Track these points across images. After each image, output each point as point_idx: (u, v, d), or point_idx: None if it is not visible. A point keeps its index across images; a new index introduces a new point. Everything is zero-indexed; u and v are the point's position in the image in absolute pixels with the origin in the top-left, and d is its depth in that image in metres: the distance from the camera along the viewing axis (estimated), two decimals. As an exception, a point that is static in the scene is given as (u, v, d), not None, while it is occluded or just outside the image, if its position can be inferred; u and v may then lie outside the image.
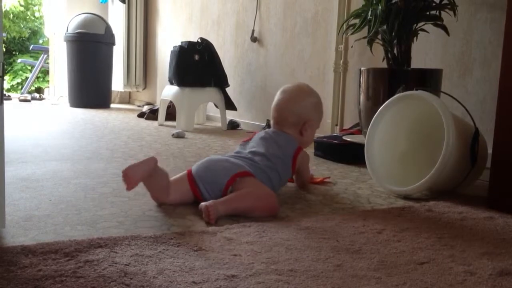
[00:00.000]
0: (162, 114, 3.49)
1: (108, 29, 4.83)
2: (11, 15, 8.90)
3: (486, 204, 1.39)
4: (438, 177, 1.44)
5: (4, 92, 1.58)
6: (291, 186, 1.60)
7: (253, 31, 3.40)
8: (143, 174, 1.21)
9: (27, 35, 9.20)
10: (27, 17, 9.30)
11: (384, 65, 1.99)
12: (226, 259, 0.92)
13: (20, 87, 8.34)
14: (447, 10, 1.84)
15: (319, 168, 1.99)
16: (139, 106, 5.21)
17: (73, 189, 1.45)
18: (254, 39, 3.41)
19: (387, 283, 0.84)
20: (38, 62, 6.04)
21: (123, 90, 5.45)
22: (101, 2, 5.52)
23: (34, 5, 9.40)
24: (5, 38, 8.75)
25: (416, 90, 1.60)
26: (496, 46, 1.85)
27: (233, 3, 3.67)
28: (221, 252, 0.95)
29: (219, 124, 3.48)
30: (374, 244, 1.04)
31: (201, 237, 1.03)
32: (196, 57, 3.29)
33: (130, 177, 1.18)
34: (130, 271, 0.83)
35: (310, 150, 2.39)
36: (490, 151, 1.44)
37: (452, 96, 1.62)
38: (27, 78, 7.44)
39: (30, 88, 6.01)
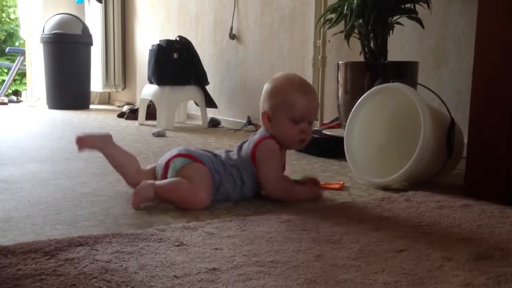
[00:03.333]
0: (142, 114, 3.47)
1: (85, 29, 4.79)
2: (-14, 18, 8.76)
3: (463, 193, 1.42)
4: (416, 168, 1.46)
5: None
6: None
7: (231, 28, 3.40)
8: (95, 142, 1.38)
9: (2, 38, 9.06)
10: (3, 19, 9.16)
11: (361, 58, 2.01)
12: (207, 253, 0.92)
13: (-4, 90, 8.20)
14: (421, 3, 1.87)
15: (300, 162, 2.00)
16: (119, 106, 5.17)
17: (53, 190, 1.44)
18: (232, 36, 3.41)
19: (366, 270, 0.85)
20: (14, 65, 5.96)
21: (102, 91, 5.41)
22: (77, 2, 5.46)
23: (9, 7, 9.26)
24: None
25: (393, 82, 1.62)
26: (470, 37, 1.88)
27: (211, 1, 3.67)
28: (203, 247, 0.95)
29: (200, 122, 3.48)
30: (354, 234, 1.05)
31: (182, 233, 1.03)
32: (175, 55, 3.28)
33: (83, 139, 1.37)
34: (111, 268, 0.83)
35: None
36: (466, 141, 1.47)
37: (428, 88, 1.64)
38: (3, 81, 7.32)
39: (7, 91, 5.92)
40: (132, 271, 0.82)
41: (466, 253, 0.94)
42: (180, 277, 0.80)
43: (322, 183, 1.56)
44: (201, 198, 1.25)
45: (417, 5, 1.89)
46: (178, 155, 1.33)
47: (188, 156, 1.31)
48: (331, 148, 2.11)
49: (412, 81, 1.81)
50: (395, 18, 1.93)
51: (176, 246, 0.95)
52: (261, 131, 1.38)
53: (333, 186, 1.54)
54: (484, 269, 0.86)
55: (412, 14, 1.89)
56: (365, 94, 1.67)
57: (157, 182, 1.28)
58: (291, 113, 1.30)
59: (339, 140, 1.79)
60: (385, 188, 1.54)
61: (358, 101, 1.68)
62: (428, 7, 1.85)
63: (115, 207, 1.26)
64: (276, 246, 0.97)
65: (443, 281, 0.81)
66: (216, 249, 0.94)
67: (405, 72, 1.88)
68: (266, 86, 1.37)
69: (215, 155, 1.35)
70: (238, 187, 1.33)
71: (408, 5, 1.89)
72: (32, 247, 0.91)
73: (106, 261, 0.86)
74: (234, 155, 1.36)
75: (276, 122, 1.32)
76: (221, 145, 2.46)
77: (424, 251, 0.95)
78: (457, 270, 0.86)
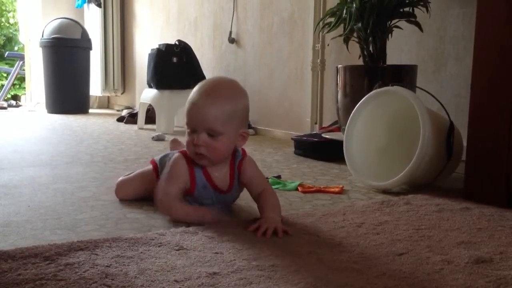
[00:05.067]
0: (141, 118, 3.47)
1: (84, 33, 4.79)
2: (-15, 22, 8.76)
3: (462, 196, 1.42)
4: (415, 171, 1.47)
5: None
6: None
7: (230, 32, 3.41)
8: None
9: (2, 42, 9.06)
10: (2, 24, 9.16)
11: (360, 62, 2.02)
12: (207, 257, 0.92)
13: (-4, 94, 8.20)
14: (420, 6, 1.88)
15: (299, 166, 2.01)
16: (118, 110, 5.17)
17: (52, 194, 1.44)
18: (231, 40, 3.41)
19: (367, 274, 0.85)
20: (13, 69, 5.95)
21: (101, 95, 5.41)
22: (77, 7, 5.46)
23: (9, 12, 9.27)
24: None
25: (392, 86, 1.63)
26: (469, 41, 1.89)
27: (210, 5, 3.68)
28: (203, 251, 0.95)
29: (199, 126, 3.47)
30: (354, 238, 1.06)
31: (182, 237, 1.03)
32: (174, 59, 3.28)
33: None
34: (111, 272, 0.83)
35: (290, 149, 2.42)
36: (465, 144, 1.47)
37: (427, 91, 1.65)
38: (2, 85, 7.32)
39: (6, 96, 5.92)
40: (133, 275, 0.82)
41: (466, 257, 0.94)
42: (181, 282, 0.80)
43: (322, 187, 1.57)
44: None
45: (416, 9, 1.89)
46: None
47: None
48: (331, 151, 2.11)
49: (411, 85, 1.81)
50: (394, 22, 1.93)
51: (176, 250, 0.95)
52: None
53: (332, 189, 1.54)
54: (484, 272, 0.87)
55: (411, 18, 1.89)
56: (364, 98, 1.67)
57: None
58: (185, 120, 1.16)
59: (339, 144, 1.79)
60: (385, 191, 1.55)
61: (358, 105, 1.69)
62: (427, 11, 1.86)
63: (115, 212, 1.26)
64: (276, 250, 0.97)
65: (443, 284, 0.81)
66: (216, 253, 0.94)
67: (404, 76, 1.88)
68: None
69: None
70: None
71: (407, 9, 1.90)
72: (32, 251, 0.91)
73: (106, 266, 0.86)
74: None
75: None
76: (220, 149, 2.46)
77: (424, 255, 0.95)
78: (457, 273, 0.86)
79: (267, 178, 1.65)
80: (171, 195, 1.15)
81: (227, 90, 1.15)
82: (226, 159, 1.19)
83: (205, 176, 1.18)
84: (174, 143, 1.66)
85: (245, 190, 1.40)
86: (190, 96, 1.14)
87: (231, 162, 1.20)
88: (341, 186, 1.57)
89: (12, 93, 7.98)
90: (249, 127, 3.17)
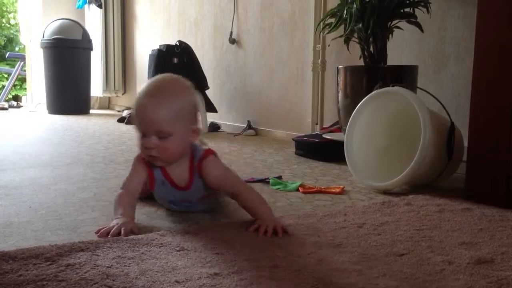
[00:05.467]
0: (142, 118, 3.46)
1: (85, 34, 4.79)
2: (-14, 23, 8.77)
3: (463, 196, 1.42)
4: (416, 172, 1.47)
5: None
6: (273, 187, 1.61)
7: (231, 33, 3.41)
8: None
9: (2, 43, 9.07)
10: (3, 25, 9.17)
11: (361, 63, 2.02)
12: (208, 257, 0.92)
13: (-3, 95, 8.21)
14: (420, 7, 1.88)
15: (300, 167, 2.01)
16: (119, 111, 5.17)
17: (53, 195, 1.44)
18: (232, 41, 3.42)
19: (367, 275, 0.85)
20: (14, 70, 5.96)
21: (102, 96, 5.41)
22: (78, 8, 5.47)
23: (9, 13, 9.28)
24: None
25: (393, 86, 1.63)
26: (469, 42, 1.89)
27: (211, 6, 3.68)
28: (204, 251, 0.95)
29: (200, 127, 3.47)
30: (355, 238, 1.06)
31: (183, 237, 1.03)
32: (175, 60, 3.28)
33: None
34: (112, 273, 0.83)
35: (291, 150, 2.42)
36: (466, 144, 1.47)
37: (428, 92, 1.65)
38: (3, 86, 7.33)
39: (7, 96, 5.92)
40: (134, 276, 0.82)
41: (467, 257, 0.94)
42: (182, 282, 0.80)
43: (323, 187, 1.57)
44: None
45: (416, 10, 1.89)
46: None
47: None
48: (331, 152, 2.11)
49: (411, 85, 1.81)
50: (394, 22, 1.93)
51: (177, 251, 0.95)
52: None
53: (333, 190, 1.54)
54: (485, 273, 0.87)
55: (411, 19, 1.89)
56: (365, 98, 1.67)
57: None
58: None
59: (339, 144, 1.79)
60: (386, 192, 1.54)
61: (358, 105, 1.69)
62: (428, 11, 1.86)
63: (116, 212, 1.26)
64: (277, 250, 0.97)
65: (444, 285, 0.81)
66: (217, 253, 0.94)
67: (404, 76, 1.88)
68: None
69: None
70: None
71: (407, 10, 1.90)
72: (33, 252, 0.91)
73: (107, 267, 0.86)
74: None
75: None
76: (221, 149, 2.47)
77: (425, 255, 0.95)
78: (458, 274, 0.86)
79: (267, 178, 1.66)
80: (123, 191, 1.16)
81: (170, 89, 1.12)
82: (185, 156, 1.17)
83: (162, 172, 1.17)
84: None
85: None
86: (136, 98, 1.11)
87: (190, 159, 1.18)
88: (342, 186, 1.57)
89: (13, 94, 7.99)
90: (250, 127, 3.18)
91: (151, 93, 1.10)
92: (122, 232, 1.04)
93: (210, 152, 1.19)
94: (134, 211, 1.15)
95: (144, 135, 1.11)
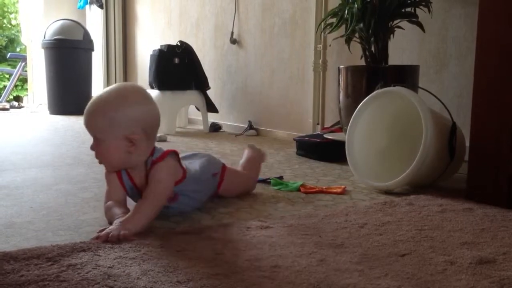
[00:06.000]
0: (143, 119, 3.46)
1: (86, 34, 4.80)
2: (-13, 24, 8.78)
3: (465, 196, 1.42)
4: (417, 171, 1.46)
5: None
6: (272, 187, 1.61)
7: (232, 33, 3.41)
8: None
9: (4, 43, 9.08)
10: (4, 25, 9.18)
11: (362, 62, 2.01)
12: (209, 258, 0.92)
13: (-2, 96, 8.22)
14: (421, 7, 1.87)
15: (301, 167, 2.00)
16: (120, 111, 5.17)
17: (54, 195, 1.44)
18: (233, 41, 3.42)
19: (369, 275, 0.85)
20: (16, 70, 5.97)
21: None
22: (79, 8, 5.47)
23: (11, 13, 9.29)
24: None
25: (394, 86, 1.62)
26: (471, 41, 1.89)
27: (212, 6, 3.68)
28: (205, 251, 0.95)
29: (201, 127, 3.48)
30: (356, 238, 1.05)
31: (184, 238, 1.03)
32: (176, 60, 3.28)
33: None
34: (113, 273, 0.83)
35: (292, 150, 2.42)
36: (467, 144, 1.46)
37: (429, 92, 1.64)
38: (5, 86, 7.34)
39: (8, 97, 5.93)
40: (135, 276, 0.82)
41: (469, 257, 0.93)
42: (183, 283, 0.80)
43: (324, 187, 1.57)
44: None
45: (417, 9, 1.89)
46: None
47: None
48: (333, 152, 2.11)
49: (413, 85, 1.81)
50: (395, 22, 1.93)
51: (178, 251, 0.95)
52: None
53: (335, 190, 1.54)
54: (488, 273, 0.86)
55: (412, 18, 1.89)
56: (366, 98, 1.67)
57: None
58: None
59: (341, 144, 1.79)
60: (387, 192, 1.54)
61: (359, 105, 1.68)
62: (429, 11, 1.86)
63: (117, 213, 1.26)
64: (278, 250, 0.97)
65: (446, 285, 0.81)
66: (219, 254, 0.94)
67: (406, 76, 1.88)
68: None
69: None
70: None
71: (408, 9, 1.89)
72: (35, 253, 0.91)
73: (109, 267, 0.86)
74: None
75: None
76: (222, 150, 2.47)
77: (427, 255, 0.95)
78: (460, 274, 0.86)
79: (269, 179, 1.65)
80: (110, 202, 1.18)
81: (108, 97, 1.14)
82: (143, 162, 1.17)
83: (129, 177, 1.19)
84: (252, 148, 1.64)
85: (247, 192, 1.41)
86: None
87: (145, 166, 1.18)
88: (343, 186, 1.57)
89: (15, 94, 7.99)
90: (251, 127, 3.18)
91: (95, 99, 1.14)
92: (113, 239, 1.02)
93: (164, 155, 1.18)
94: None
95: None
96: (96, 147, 1.15)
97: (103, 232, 1.02)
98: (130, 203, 1.23)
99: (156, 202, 1.13)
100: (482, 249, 0.99)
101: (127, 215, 1.09)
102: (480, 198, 1.37)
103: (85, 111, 1.15)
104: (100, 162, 1.18)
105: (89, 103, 1.15)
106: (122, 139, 1.13)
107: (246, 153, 1.60)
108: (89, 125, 1.14)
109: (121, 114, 1.12)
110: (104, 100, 1.13)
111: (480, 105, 1.38)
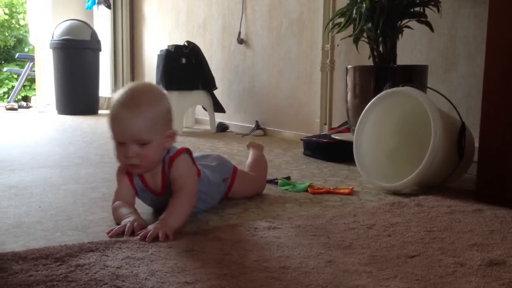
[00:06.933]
0: (150, 119, 3.47)
1: (94, 35, 4.81)
2: (-4, 24, 8.83)
3: (474, 197, 1.41)
4: (426, 172, 1.45)
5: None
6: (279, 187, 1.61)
7: (239, 33, 3.41)
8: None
9: (12, 44, 9.13)
10: (12, 26, 9.23)
11: (370, 62, 2.01)
12: (217, 258, 0.92)
13: (6, 96, 8.28)
14: (431, 6, 1.86)
15: (309, 167, 2.00)
16: (127, 111, 5.18)
17: (63, 195, 1.44)
18: (240, 41, 3.41)
19: (378, 276, 0.84)
20: (24, 70, 6.00)
21: (111, 96, 5.42)
22: (86, 8, 5.49)
23: (19, 13, 9.34)
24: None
25: (403, 86, 1.62)
26: (480, 41, 1.87)
27: (219, 6, 3.68)
28: (213, 252, 0.95)
29: (208, 127, 3.48)
30: (365, 240, 1.05)
31: (192, 238, 1.03)
32: (183, 60, 3.29)
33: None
34: (121, 274, 0.83)
35: (299, 150, 2.41)
36: (477, 145, 1.45)
37: (438, 92, 1.63)
38: (13, 86, 7.38)
39: (16, 97, 5.96)
40: (143, 277, 0.82)
41: (479, 259, 0.93)
42: (191, 283, 0.80)
43: (332, 188, 1.56)
44: None
45: (426, 9, 1.88)
46: None
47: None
48: (340, 152, 2.10)
49: (421, 85, 1.80)
50: (404, 22, 1.92)
51: (187, 252, 0.95)
52: None
53: (342, 191, 1.53)
54: (497, 275, 0.86)
55: (421, 18, 1.88)
56: (374, 98, 1.66)
57: None
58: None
59: (348, 145, 1.78)
60: (395, 192, 1.53)
61: (367, 105, 1.68)
62: (438, 10, 1.85)
63: (125, 213, 1.26)
64: (286, 251, 0.97)
65: (456, 287, 0.80)
66: (226, 254, 0.94)
67: (414, 76, 1.87)
68: None
69: None
70: None
71: (417, 9, 1.88)
72: (43, 253, 0.91)
73: (117, 267, 0.86)
74: None
75: None
76: (229, 150, 2.46)
77: (436, 257, 0.94)
78: (470, 276, 0.85)
79: (276, 179, 1.65)
80: (118, 202, 1.18)
81: (144, 97, 1.12)
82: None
83: (140, 179, 1.19)
84: (252, 145, 1.66)
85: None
86: (111, 109, 1.12)
87: (162, 163, 1.18)
88: (351, 187, 1.56)
89: (23, 94, 8.04)
90: (258, 127, 3.17)
91: (126, 103, 1.10)
92: (135, 225, 1.04)
93: (180, 151, 1.19)
94: (137, 212, 1.15)
95: (122, 144, 1.11)
96: (141, 150, 1.11)
97: (142, 231, 1.02)
98: (138, 204, 1.23)
99: (190, 195, 1.14)
100: (492, 250, 0.98)
101: (164, 213, 1.09)
102: (489, 199, 1.36)
103: (117, 119, 1.10)
104: (134, 167, 1.13)
105: (118, 111, 1.10)
106: (166, 136, 1.15)
107: (251, 154, 1.60)
108: (130, 130, 1.09)
109: (159, 112, 1.13)
110: (137, 102, 1.11)
111: (490, 106, 1.37)
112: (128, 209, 1.15)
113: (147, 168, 1.16)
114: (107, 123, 1.13)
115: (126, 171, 1.19)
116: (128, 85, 1.16)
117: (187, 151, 1.21)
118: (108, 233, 1.05)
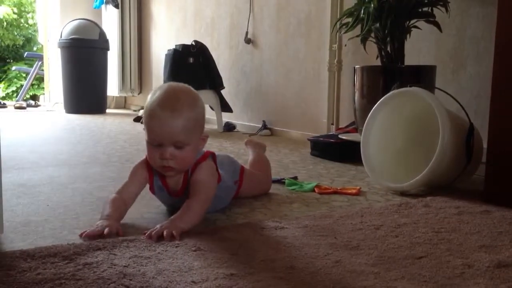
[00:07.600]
0: (158, 118, 3.48)
1: (102, 34, 4.84)
2: (5, 23, 8.90)
3: (483, 198, 1.40)
4: (434, 173, 1.45)
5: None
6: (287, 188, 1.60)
7: (247, 33, 3.41)
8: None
9: (21, 43, 9.19)
10: (21, 25, 9.29)
11: (378, 63, 2.00)
12: (224, 258, 0.92)
13: (15, 94, 8.34)
14: (439, 6, 1.85)
15: (316, 167, 2.00)
16: (135, 110, 5.21)
17: (71, 194, 1.45)
18: (248, 41, 3.41)
19: (385, 277, 0.84)
20: (32, 69, 6.04)
21: (118, 95, 5.45)
22: (95, 8, 5.51)
23: (28, 13, 9.40)
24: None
25: (410, 87, 1.61)
26: (488, 42, 1.86)
27: (227, 6, 3.68)
28: (220, 252, 0.95)
29: (215, 127, 3.48)
30: (372, 240, 1.05)
31: (199, 237, 1.03)
32: (191, 60, 3.29)
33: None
34: (129, 272, 0.84)
35: (307, 150, 2.41)
36: (485, 145, 1.45)
37: (446, 92, 1.63)
38: (22, 85, 7.43)
39: (25, 96, 6.01)
40: (150, 276, 0.83)
41: (487, 261, 0.92)
42: (198, 283, 0.80)
43: (339, 188, 1.56)
44: None
45: (435, 9, 1.87)
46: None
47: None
48: (348, 152, 2.10)
49: (430, 86, 1.79)
50: (412, 22, 1.91)
51: (194, 251, 0.95)
52: None
53: (350, 191, 1.53)
54: (506, 277, 0.85)
55: (430, 18, 1.87)
56: (382, 99, 1.66)
57: None
58: (146, 135, 1.13)
59: (356, 145, 1.78)
60: (403, 193, 1.53)
61: (375, 106, 1.67)
62: (446, 11, 1.84)
63: (132, 212, 1.26)
64: (293, 251, 0.96)
65: (464, 289, 0.80)
66: (234, 254, 0.94)
67: (422, 76, 1.86)
68: None
69: None
70: None
71: (425, 9, 1.87)
72: (51, 251, 0.92)
73: (124, 266, 0.86)
74: None
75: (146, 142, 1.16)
76: (236, 149, 2.47)
77: (444, 258, 0.94)
78: (478, 277, 0.85)
79: (283, 179, 1.65)
80: (116, 195, 1.17)
81: (185, 100, 1.12)
82: None
83: (160, 178, 1.19)
84: (250, 143, 1.67)
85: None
86: (150, 109, 1.10)
87: None
88: (358, 187, 1.56)
89: (31, 93, 8.10)
90: (265, 127, 3.17)
91: (168, 105, 1.09)
92: (106, 231, 1.02)
93: (206, 155, 1.20)
94: (121, 215, 1.14)
95: (158, 145, 1.11)
96: (178, 153, 1.10)
97: (154, 232, 1.02)
98: (148, 203, 1.24)
99: (205, 201, 1.14)
100: (500, 252, 0.98)
101: (176, 214, 1.09)
102: (497, 201, 1.35)
103: (157, 119, 1.08)
104: (168, 169, 1.13)
105: (160, 109, 1.08)
106: (201, 139, 1.16)
107: (252, 152, 1.60)
108: (170, 132, 1.08)
109: (198, 114, 1.13)
110: (179, 104, 1.10)
111: (498, 106, 1.37)
112: (111, 209, 1.12)
113: (180, 171, 1.15)
114: (144, 123, 1.11)
115: (149, 167, 1.18)
116: (165, 85, 1.15)
117: (212, 156, 1.21)
118: (80, 234, 1.04)
